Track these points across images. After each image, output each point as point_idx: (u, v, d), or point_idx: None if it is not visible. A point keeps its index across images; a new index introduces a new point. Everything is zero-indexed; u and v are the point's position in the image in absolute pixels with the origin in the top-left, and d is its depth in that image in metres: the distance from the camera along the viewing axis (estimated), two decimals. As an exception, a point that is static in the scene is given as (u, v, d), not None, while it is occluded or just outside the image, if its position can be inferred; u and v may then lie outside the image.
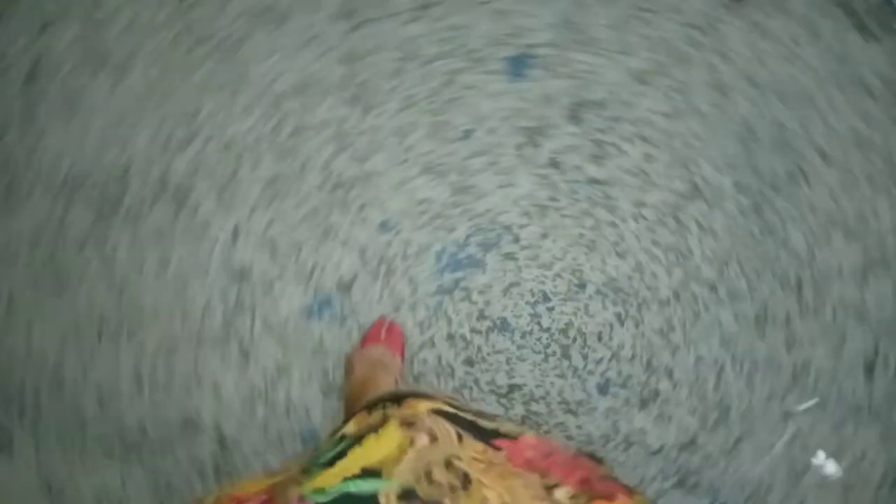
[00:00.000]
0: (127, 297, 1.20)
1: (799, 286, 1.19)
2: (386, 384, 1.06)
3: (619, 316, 1.20)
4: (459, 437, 0.50)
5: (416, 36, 1.26)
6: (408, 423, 0.51)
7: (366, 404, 0.57)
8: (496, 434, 0.54)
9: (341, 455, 0.48)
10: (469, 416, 0.55)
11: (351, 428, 0.53)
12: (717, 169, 1.22)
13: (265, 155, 1.23)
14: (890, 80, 1.23)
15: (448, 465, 0.47)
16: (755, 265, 1.20)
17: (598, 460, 0.64)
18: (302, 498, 0.43)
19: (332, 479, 0.45)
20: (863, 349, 1.18)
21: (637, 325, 1.20)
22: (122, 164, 1.24)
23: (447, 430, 0.50)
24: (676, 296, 1.20)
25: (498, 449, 0.51)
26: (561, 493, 0.48)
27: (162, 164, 1.23)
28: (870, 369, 1.18)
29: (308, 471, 0.48)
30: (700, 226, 1.21)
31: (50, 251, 1.21)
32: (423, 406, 0.54)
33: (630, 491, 0.51)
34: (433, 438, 0.49)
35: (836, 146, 1.22)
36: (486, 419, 0.56)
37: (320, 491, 0.44)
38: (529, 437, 0.56)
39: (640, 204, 1.22)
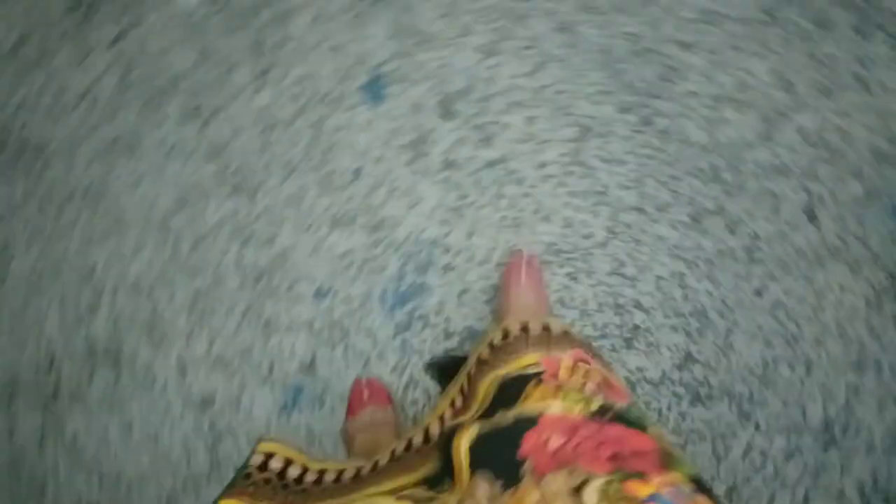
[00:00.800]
0: (106, 477, 1.15)
1: (716, 172, 1.22)
2: (388, 440, 1.05)
3: (570, 275, 1.20)
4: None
5: (268, 105, 1.24)
6: None
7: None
8: (518, 431, 0.51)
9: None
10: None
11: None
12: (594, 102, 1.24)
13: (175, 280, 1.20)
14: (709, -48, 1.26)
15: None
16: (668, 172, 1.22)
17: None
18: None
19: None
20: (797, 200, 1.21)
21: (590, 276, 1.20)
22: (45, 354, 1.19)
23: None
24: (612, 232, 1.21)
25: (516, 482, 0.48)
26: (589, 492, 0.45)
27: (81, 336, 1.19)
28: (811, 215, 1.21)
29: None
30: (603, 160, 1.22)
31: (13, 463, 1.16)
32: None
33: (665, 457, 0.48)
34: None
35: (690, 32, 1.25)
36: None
37: None
38: (551, 413, 0.53)
39: (542, 165, 1.22)
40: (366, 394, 1.13)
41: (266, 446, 0.61)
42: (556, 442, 0.49)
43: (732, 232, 1.21)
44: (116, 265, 1.21)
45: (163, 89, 1.25)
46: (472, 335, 1.18)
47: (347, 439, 1.13)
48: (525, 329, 0.63)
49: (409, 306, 1.19)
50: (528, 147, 1.23)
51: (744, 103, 1.23)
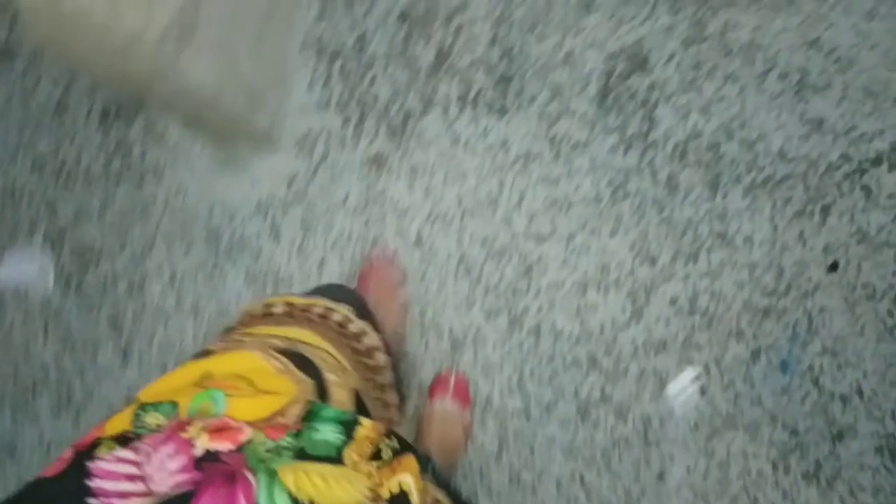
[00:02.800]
0: None
1: (594, 361, 1.20)
2: (456, 438, 1.14)
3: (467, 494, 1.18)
4: None
5: (136, 379, 1.23)
6: None
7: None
8: None
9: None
10: None
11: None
12: (460, 313, 1.22)
13: None
14: None
15: None
16: (547, 370, 1.20)
17: None
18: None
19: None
20: (681, 374, 1.19)
21: (489, 495, 1.18)
22: None
23: None
24: (502, 443, 1.19)
25: None
26: None
27: None
28: (699, 387, 1.19)
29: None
30: (481, 368, 1.21)
31: None
32: None
33: None
34: None
35: (543, 224, 1.23)
36: None
37: None
38: None
39: (422, 384, 1.21)
40: (451, 384, 1.17)
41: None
42: None
43: (622, 419, 1.19)
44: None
45: (32, 385, 1.24)
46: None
47: (419, 420, 1.15)
48: None
49: None
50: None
51: (609, 285, 1.21)
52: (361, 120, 1.26)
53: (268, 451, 0.39)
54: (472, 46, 1.28)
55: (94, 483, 0.34)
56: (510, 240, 1.23)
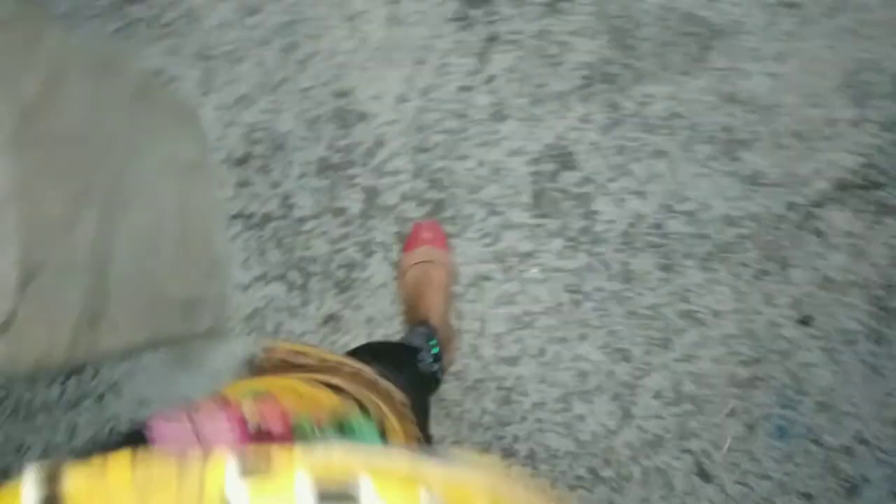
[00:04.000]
0: None
1: (595, 475, 1.18)
2: (441, 279, 1.16)
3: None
4: None
5: None
6: None
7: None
8: None
9: None
10: None
11: None
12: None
13: None
14: None
15: None
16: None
17: None
18: None
19: None
20: (683, 465, 1.17)
21: None
22: None
23: None
24: None
25: None
26: None
27: None
28: (704, 475, 1.17)
29: None
30: None
31: None
32: None
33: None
34: None
35: (508, 346, 1.21)
36: None
37: None
38: None
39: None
40: (425, 233, 1.19)
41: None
42: None
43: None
44: None
45: None
46: None
47: (399, 273, 1.19)
48: None
49: None
50: None
51: (591, 392, 1.19)
52: (305, 283, 1.24)
53: (314, 433, 0.40)
54: (398, 182, 1.26)
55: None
56: (482, 369, 1.21)
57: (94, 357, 0.87)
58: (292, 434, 0.39)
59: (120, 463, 0.29)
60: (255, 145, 1.28)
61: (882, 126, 1.26)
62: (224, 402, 0.39)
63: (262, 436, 0.38)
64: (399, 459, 0.32)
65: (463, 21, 1.31)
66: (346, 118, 1.28)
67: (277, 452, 0.29)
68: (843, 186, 1.23)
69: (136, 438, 0.36)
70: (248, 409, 0.39)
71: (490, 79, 1.28)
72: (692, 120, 1.25)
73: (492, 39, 1.30)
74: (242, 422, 0.38)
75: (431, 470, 0.34)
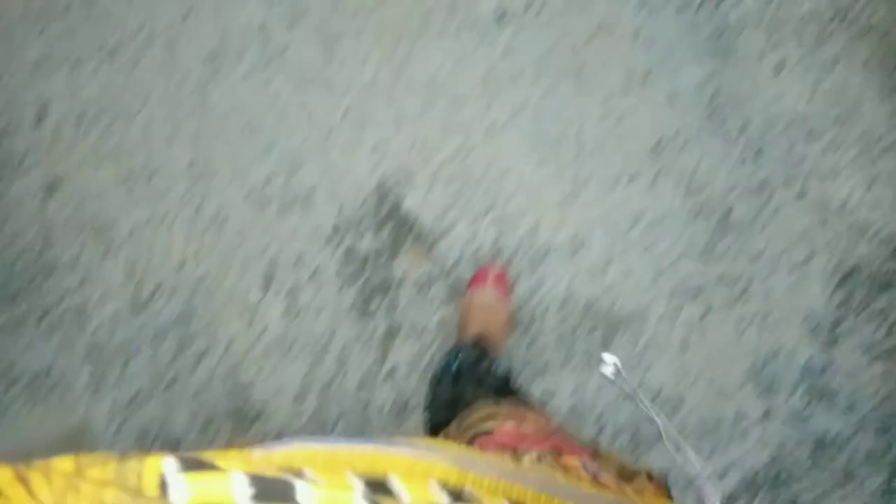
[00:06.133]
0: None
1: None
2: (500, 326, 1.17)
3: None
4: None
5: None
6: None
7: None
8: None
9: None
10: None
11: None
12: None
13: None
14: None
15: None
16: None
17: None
18: None
19: None
20: None
21: None
22: None
23: None
24: None
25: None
26: (527, 457, 0.49)
27: None
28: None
29: None
30: None
31: None
32: None
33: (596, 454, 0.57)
34: None
35: None
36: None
37: None
38: (507, 426, 0.60)
39: None
40: (491, 275, 1.20)
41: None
42: (505, 439, 0.58)
43: None
44: None
45: None
46: None
47: (462, 310, 1.20)
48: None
49: None
50: None
51: None
52: None
53: None
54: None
55: None
56: None
57: None
58: None
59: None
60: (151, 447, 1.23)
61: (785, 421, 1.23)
62: None
63: None
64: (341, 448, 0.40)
65: (363, 311, 1.28)
66: (244, 415, 1.24)
67: (215, 455, 0.33)
68: (752, 484, 1.20)
69: None
70: None
71: (392, 371, 1.25)
72: (597, 413, 1.22)
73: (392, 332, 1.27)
74: None
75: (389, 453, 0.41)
